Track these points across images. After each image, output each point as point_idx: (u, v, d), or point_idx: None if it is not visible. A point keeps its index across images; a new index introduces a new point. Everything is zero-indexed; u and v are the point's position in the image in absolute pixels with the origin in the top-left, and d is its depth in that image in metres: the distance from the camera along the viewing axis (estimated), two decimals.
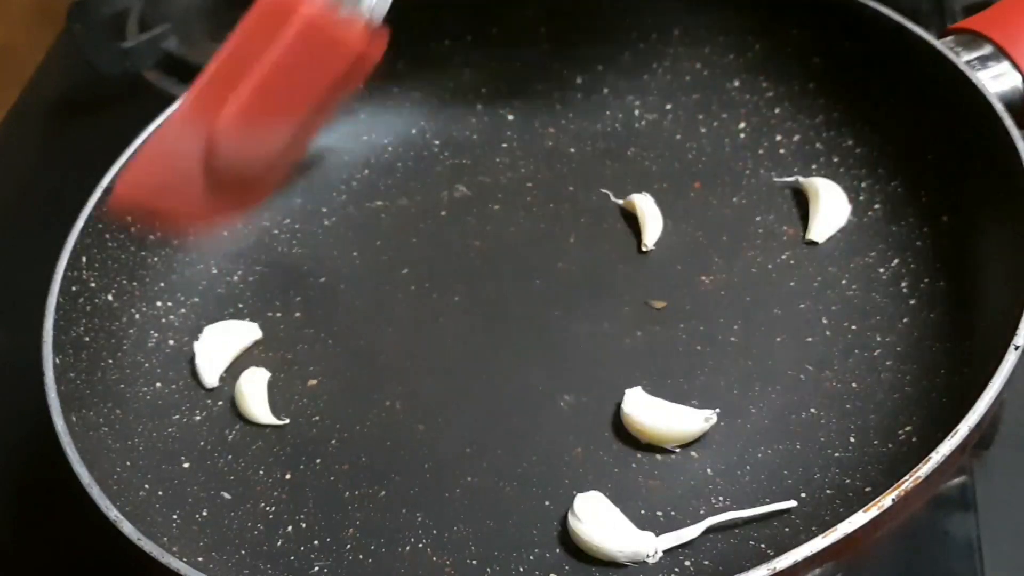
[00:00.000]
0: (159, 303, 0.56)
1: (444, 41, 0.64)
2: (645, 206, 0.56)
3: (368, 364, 0.52)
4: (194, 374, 0.53)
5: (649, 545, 0.42)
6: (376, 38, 0.49)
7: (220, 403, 0.52)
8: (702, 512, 0.44)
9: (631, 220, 0.56)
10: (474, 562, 0.44)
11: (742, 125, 0.59)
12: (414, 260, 0.57)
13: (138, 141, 0.56)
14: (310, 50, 0.48)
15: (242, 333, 0.54)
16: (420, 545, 0.45)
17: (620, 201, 0.57)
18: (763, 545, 0.42)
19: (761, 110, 0.59)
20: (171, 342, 0.54)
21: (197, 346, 0.53)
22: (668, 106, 0.61)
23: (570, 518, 0.44)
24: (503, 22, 0.64)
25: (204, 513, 0.47)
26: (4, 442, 0.58)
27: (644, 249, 0.54)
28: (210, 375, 0.52)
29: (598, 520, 0.43)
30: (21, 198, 0.74)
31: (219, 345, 0.53)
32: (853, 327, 0.49)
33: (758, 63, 0.60)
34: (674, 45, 0.62)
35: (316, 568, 0.45)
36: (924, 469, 0.37)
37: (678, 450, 0.46)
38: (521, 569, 0.44)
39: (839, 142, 0.56)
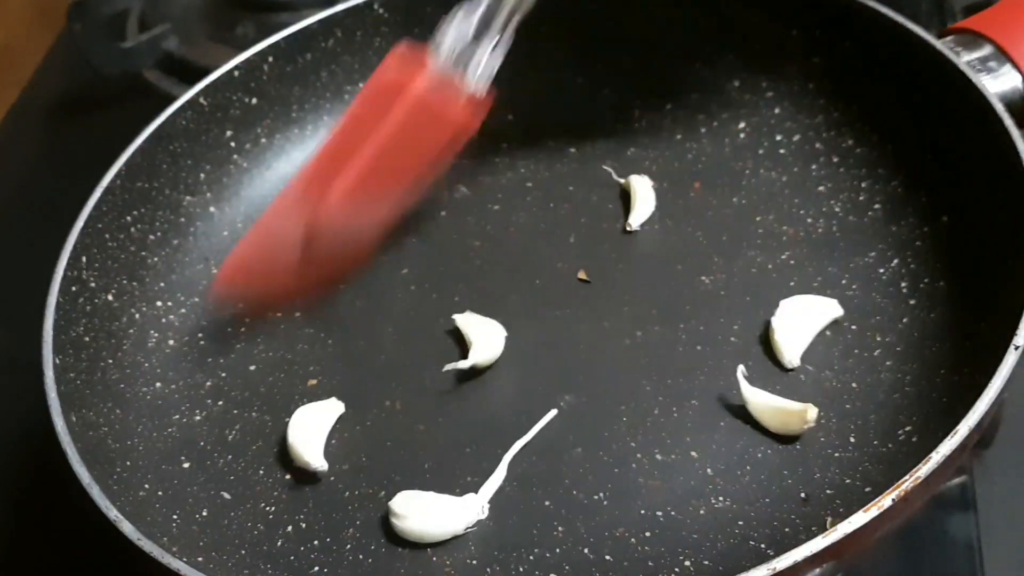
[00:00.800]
0: (159, 303, 0.56)
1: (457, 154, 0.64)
2: (639, 187, 0.56)
3: (368, 364, 0.52)
4: (290, 461, 0.49)
5: (475, 504, 0.45)
6: (478, 107, 0.50)
7: (220, 403, 0.52)
8: (702, 512, 0.44)
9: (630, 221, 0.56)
10: (474, 562, 0.44)
11: (742, 125, 0.59)
12: (414, 260, 0.57)
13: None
14: (417, 127, 0.49)
15: (328, 411, 0.51)
16: (420, 545, 0.45)
17: (622, 180, 0.57)
18: (763, 545, 0.42)
19: (761, 110, 0.59)
20: (171, 342, 0.54)
21: (291, 432, 0.49)
22: (668, 106, 0.61)
23: (393, 522, 0.45)
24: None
25: (204, 513, 0.47)
26: (4, 442, 0.58)
27: (628, 229, 0.55)
28: (315, 458, 0.48)
29: (418, 510, 0.45)
30: (21, 198, 0.74)
31: (311, 426, 0.50)
32: (853, 327, 0.49)
33: (758, 63, 0.60)
34: (674, 46, 0.62)
35: (316, 568, 0.45)
36: (924, 469, 0.37)
37: (676, 453, 0.46)
38: (522, 569, 0.44)
39: (839, 142, 0.56)
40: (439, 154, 0.51)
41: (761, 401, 0.46)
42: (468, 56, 0.49)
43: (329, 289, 0.55)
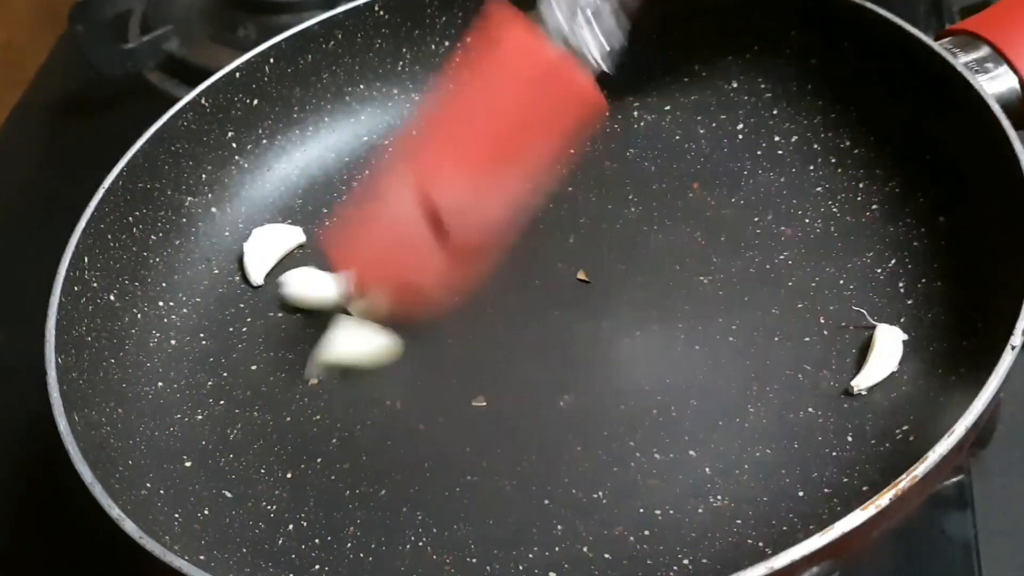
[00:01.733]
0: (161, 303, 0.56)
1: (444, 43, 0.64)
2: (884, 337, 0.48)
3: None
4: (242, 273, 0.57)
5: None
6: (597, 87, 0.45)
7: (221, 402, 0.52)
8: (700, 511, 0.44)
9: (630, 221, 0.57)
10: (474, 560, 0.44)
11: (740, 126, 0.60)
12: None
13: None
14: (547, 98, 0.44)
15: (287, 236, 0.58)
16: (420, 544, 0.45)
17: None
18: (761, 544, 0.43)
19: (759, 111, 0.59)
20: (173, 342, 0.55)
21: (246, 246, 0.57)
22: (667, 107, 0.61)
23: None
24: None
25: (205, 512, 0.48)
26: (7, 441, 0.58)
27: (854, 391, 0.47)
28: (257, 273, 0.56)
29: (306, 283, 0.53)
30: (23, 198, 0.75)
31: (266, 246, 0.57)
32: (850, 327, 0.49)
33: (756, 64, 0.60)
34: (673, 46, 0.62)
35: (317, 566, 0.45)
36: (921, 468, 0.37)
37: (674, 453, 0.46)
38: (521, 568, 0.44)
39: (837, 143, 0.57)
40: (567, 131, 0.46)
41: None
42: (586, 27, 0.45)
43: (471, 282, 0.50)
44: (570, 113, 0.46)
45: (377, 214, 0.48)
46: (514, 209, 0.47)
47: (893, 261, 0.51)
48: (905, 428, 0.44)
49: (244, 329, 0.55)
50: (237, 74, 0.60)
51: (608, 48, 0.45)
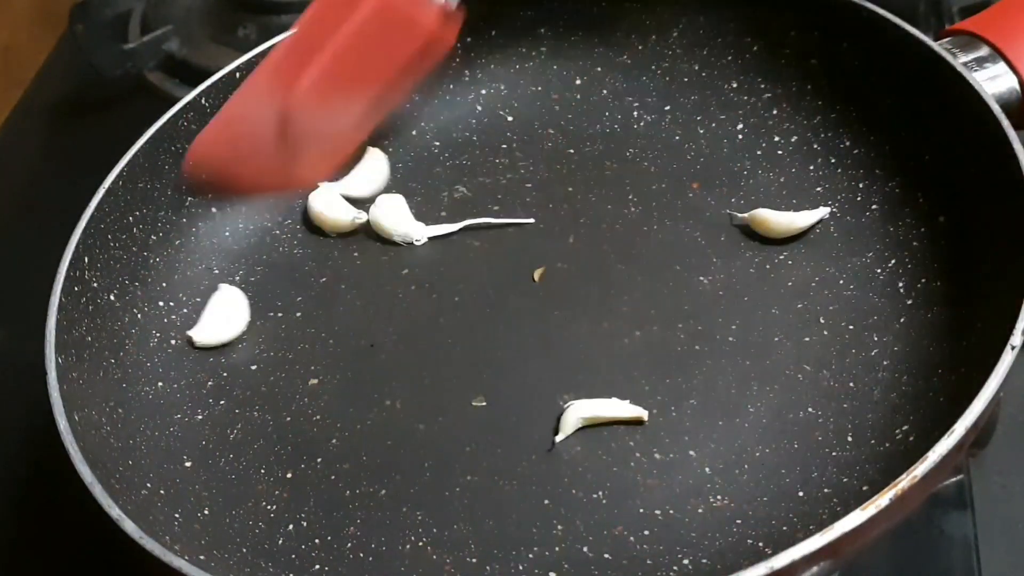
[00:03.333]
0: (161, 303, 0.56)
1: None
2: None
3: (368, 364, 0.53)
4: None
5: (419, 232, 0.56)
6: (451, 20, 0.50)
7: (222, 402, 0.52)
8: (700, 511, 0.44)
9: (630, 222, 0.57)
10: (474, 560, 0.44)
11: (740, 126, 0.60)
12: (414, 260, 0.57)
13: (208, 83, 0.58)
14: (385, 26, 0.50)
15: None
16: (420, 543, 0.45)
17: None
18: (761, 543, 0.43)
19: (759, 111, 0.59)
20: (173, 342, 0.55)
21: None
22: (667, 107, 0.61)
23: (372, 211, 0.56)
24: (503, 24, 0.64)
25: (205, 512, 0.48)
26: (7, 442, 0.58)
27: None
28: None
29: (391, 211, 0.56)
30: (23, 199, 0.75)
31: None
32: (850, 327, 0.49)
33: (756, 65, 0.60)
34: (672, 47, 0.62)
35: (317, 566, 0.45)
36: (921, 468, 0.38)
37: (674, 453, 0.46)
38: (521, 568, 0.44)
39: (837, 143, 0.57)
40: (412, 61, 0.52)
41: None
42: None
43: (303, 186, 0.58)
44: (412, 43, 0.51)
45: (235, 117, 0.53)
46: (356, 126, 0.54)
47: (893, 261, 0.51)
48: (905, 428, 0.44)
49: (244, 329, 0.55)
50: (237, 74, 0.60)
51: None
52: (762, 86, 0.60)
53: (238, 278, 0.58)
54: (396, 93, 0.54)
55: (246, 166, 0.53)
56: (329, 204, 0.58)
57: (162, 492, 0.47)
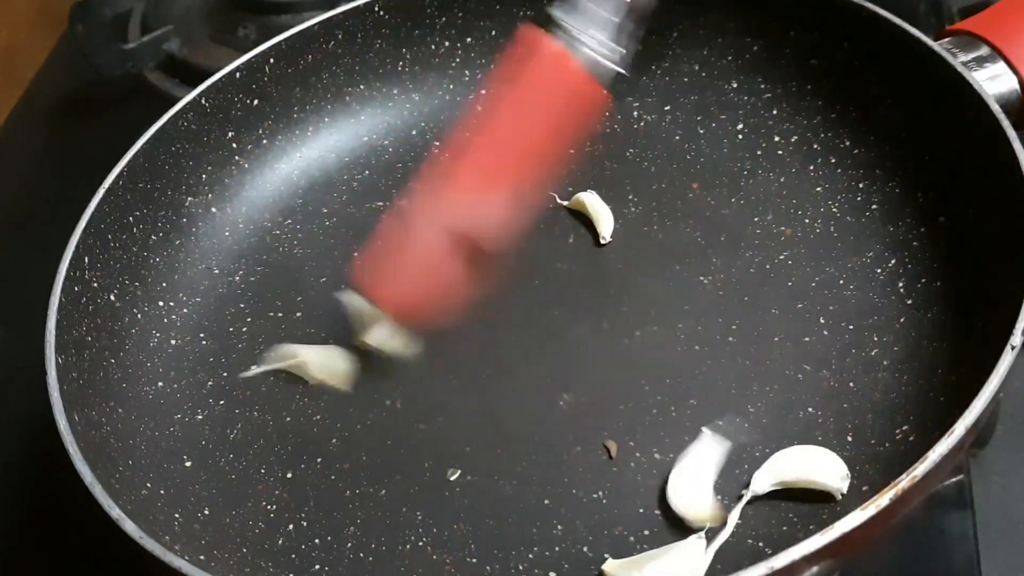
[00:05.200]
0: (161, 303, 0.56)
1: (444, 43, 0.64)
2: (593, 202, 0.57)
3: (368, 364, 0.53)
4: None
5: (697, 546, 0.42)
6: (597, 89, 0.48)
7: (221, 402, 0.52)
8: None
9: (630, 222, 0.57)
10: (474, 560, 0.44)
11: (740, 126, 0.60)
12: None
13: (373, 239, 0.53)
14: (568, 108, 0.48)
15: None
16: (420, 543, 0.45)
17: (565, 202, 0.58)
18: (761, 544, 0.43)
19: (759, 111, 0.59)
20: (173, 342, 0.55)
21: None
22: (667, 107, 0.62)
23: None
24: (503, 24, 0.64)
25: (205, 512, 0.48)
26: (7, 442, 0.58)
27: (603, 242, 0.56)
28: None
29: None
30: (23, 199, 0.75)
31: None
32: (850, 327, 0.49)
33: (756, 65, 0.60)
34: (672, 47, 0.62)
35: (317, 566, 0.45)
36: (921, 468, 0.37)
37: (674, 453, 0.46)
38: (521, 568, 0.44)
39: (837, 143, 0.57)
40: (580, 134, 0.49)
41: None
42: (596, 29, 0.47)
43: (476, 285, 0.51)
44: (586, 118, 0.49)
45: (407, 244, 0.49)
46: (529, 212, 0.50)
47: (893, 261, 0.51)
48: (905, 428, 0.44)
49: (244, 329, 0.55)
50: (237, 74, 0.60)
51: (622, 51, 0.48)
52: (762, 86, 0.60)
53: (238, 278, 0.58)
54: (562, 164, 0.50)
55: (431, 293, 0.49)
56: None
57: (162, 492, 0.48)
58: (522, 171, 0.48)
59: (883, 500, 0.37)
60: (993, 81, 0.50)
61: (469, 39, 0.64)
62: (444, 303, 0.49)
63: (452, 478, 0.47)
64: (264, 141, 0.62)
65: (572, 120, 0.48)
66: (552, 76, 0.47)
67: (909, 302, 0.49)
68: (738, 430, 0.47)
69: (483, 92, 0.49)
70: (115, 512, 0.41)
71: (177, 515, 0.47)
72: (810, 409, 0.47)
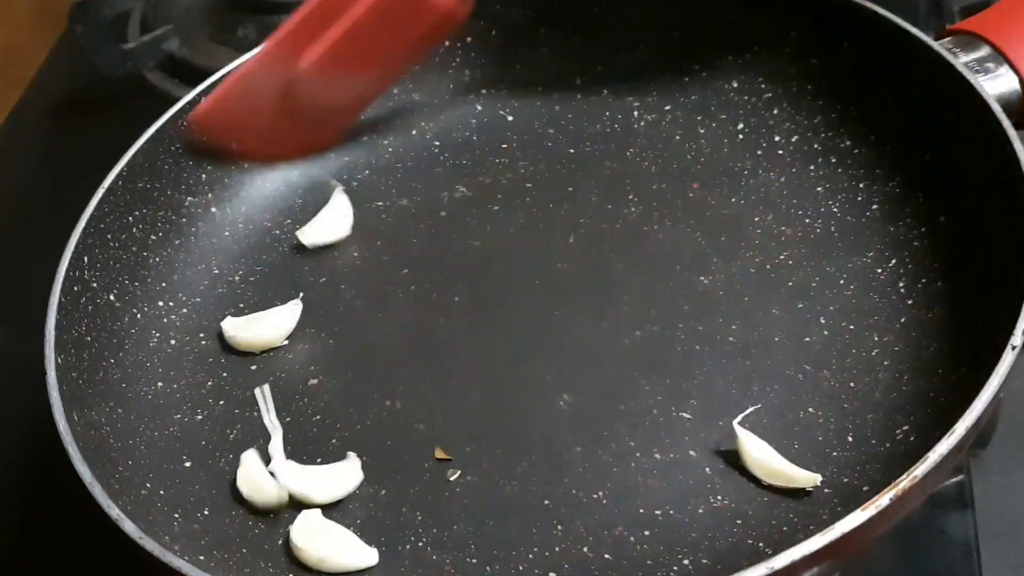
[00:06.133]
0: (160, 303, 0.56)
1: (444, 43, 0.64)
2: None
3: (368, 364, 0.53)
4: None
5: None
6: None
7: (221, 402, 0.52)
8: (700, 511, 0.44)
9: (630, 222, 0.57)
10: (473, 561, 0.44)
11: (740, 126, 0.60)
12: (414, 260, 0.57)
13: (217, 76, 0.58)
14: (400, 4, 0.50)
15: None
16: (420, 544, 0.45)
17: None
18: (761, 544, 0.43)
19: (759, 111, 0.59)
20: (172, 342, 0.55)
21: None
22: (667, 107, 0.61)
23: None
24: (503, 24, 0.64)
25: (205, 512, 0.48)
26: (7, 442, 0.58)
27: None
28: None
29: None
30: (23, 199, 0.75)
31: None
32: (851, 327, 0.49)
33: (756, 64, 0.60)
34: (673, 47, 0.62)
35: None
36: (921, 468, 0.38)
37: (674, 453, 0.46)
38: (521, 568, 0.44)
39: (837, 143, 0.57)
40: (420, 39, 0.52)
41: (761, 458, 0.45)
42: None
43: (302, 156, 0.58)
44: (424, 20, 0.51)
45: (242, 83, 0.54)
46: (360, 99, 0.55)
47: (893, 261, 0.51)
48: (905, 428, 0.44)
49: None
50: None
51: None
52: (762, 86, 0.60)
53: (238, 278, 0.58)
54: (401, 67, 0.55)
55: (248, 132, 0.54)
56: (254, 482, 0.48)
57: (162, 492, 0.47)
58: (353, 48, 0.51)
59: (883, 500, 0.37)
60: (994, 81, 0.50)
61: (469, 39, 0.64)
62: (255, 137, 0.54)
63: (452, 478, 0.47)
64: None
65: (419, 20, 0.51)
66: None
67: (909, 302, 0.49)
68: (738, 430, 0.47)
69: None
70: (114, 512, 0.41)
71: (177, 515, 0.47)
72: (810, 409, 0.47)
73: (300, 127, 0.54)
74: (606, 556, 0.44)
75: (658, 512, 0.45)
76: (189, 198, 0.59)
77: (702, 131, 0.60)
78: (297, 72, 0.50)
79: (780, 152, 0.58)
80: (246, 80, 0.53)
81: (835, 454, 0.45)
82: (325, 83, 0.52)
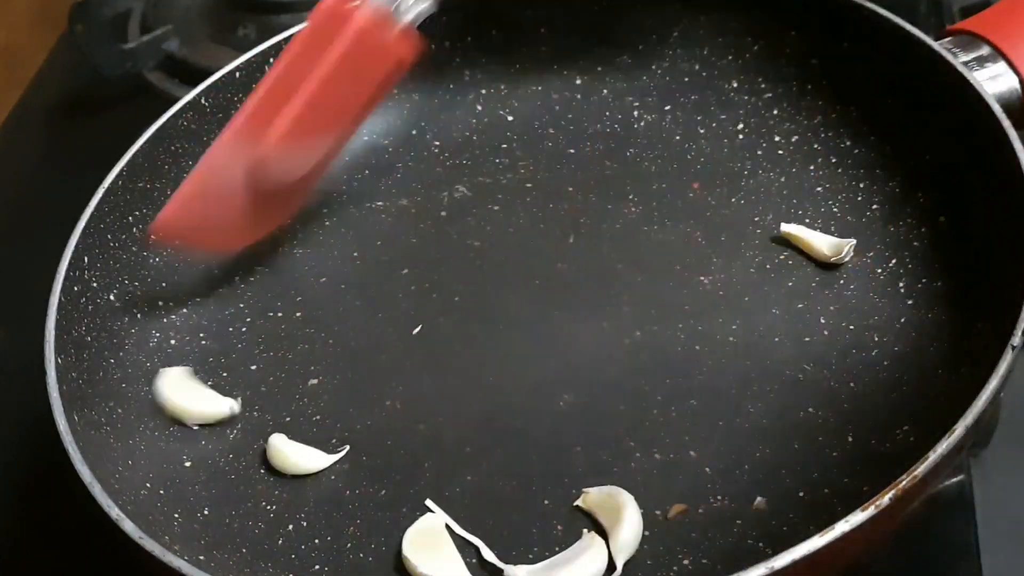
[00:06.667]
0: (161, 303, 0.56)
1: (444, 42, 0.64)
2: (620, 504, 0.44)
3: (368, 364, 0.53)
4: None
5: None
6: (413, 42, 0.51)
7: None
8: (700, 511, 0.44)
9: (630, 221, 0.57)
10: (473, 561, 0.44)
11: (740, 126, 0.60)
12: (414, 260, 0.57)
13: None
14: (358, 60, 0.50)
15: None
16: None
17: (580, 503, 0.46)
18: (761, 544, 0.43)
19: (760, 111, 0.59)
20: (172, 341, 0.55)
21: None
22: (667, 107, 0.62)
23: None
24: (503, 23, 0.64)
25: (205, 512, 0.48)
26: (6, 441, 0.58)
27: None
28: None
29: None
30: (23, 199, 0.75)
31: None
32: (851, 327, 0.49)
33: (756, 64, 0.60)
34: (673, 46, 0.62)
35: (317, 566, 0.45)
36: (921, 468, 0.38)
37: (674, 453, 0.46)
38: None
39: (837, 143, 0.57)
40: (379, 88, 0.52)
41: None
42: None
43: (271, 229, 0.57)
44: (383, 71, 0.52)
45: (204, 181, 0.52)
46: (328, 156, 0.54)
47: (894, 261, 0.51)
48: (905, 428, 0.44)
49: (244, 329, 0.55)
50: (237, 74, 0.60)
51: (420, 11, 0.52)
52: (762, 86, 0.60)
53: (238, 278, 0.58)
54: (363, 119, 0.54)
55: (215, 227, 0.53)
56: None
57: (161, 492, 0.47)
58: (318, 116, 0.51)
59: (883, 500, 0.37)
60: (994, 81, 0.50)
61: (469, 39, 0.64)
62: (225, 229, 0.53)
63: (452, 477, 0.47)
64: None
65: (371, 70, 0.51)
66: (337, 27, 0.50)
67: (909, 302, 0.49)
68: (738, 430, 0.47)
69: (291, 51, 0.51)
70: (114, 512, 0.41)
71: (176, 515, 0.47)
72: (810, 409, 0.47)
73: (268, 205, 0.53)
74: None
75: (658, 512, 0.44)
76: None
77: (702, 131, 0.60)
78: (261, 152, 0.49)
79: (780, 152, 0.58)
80: (207, 176, 0.52)
81: (835, 454, 0.45)
82: (291, 155, 0.51)
